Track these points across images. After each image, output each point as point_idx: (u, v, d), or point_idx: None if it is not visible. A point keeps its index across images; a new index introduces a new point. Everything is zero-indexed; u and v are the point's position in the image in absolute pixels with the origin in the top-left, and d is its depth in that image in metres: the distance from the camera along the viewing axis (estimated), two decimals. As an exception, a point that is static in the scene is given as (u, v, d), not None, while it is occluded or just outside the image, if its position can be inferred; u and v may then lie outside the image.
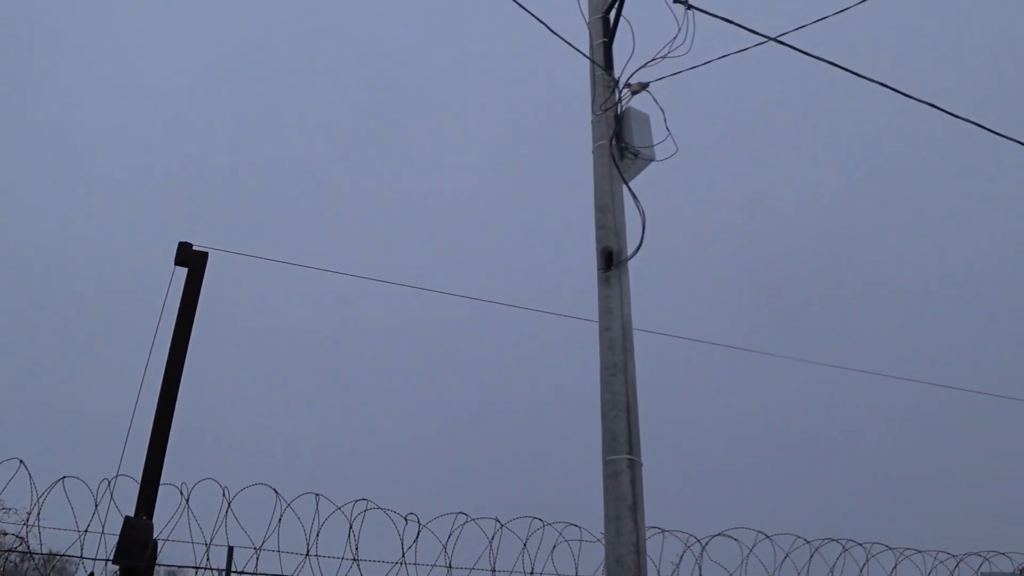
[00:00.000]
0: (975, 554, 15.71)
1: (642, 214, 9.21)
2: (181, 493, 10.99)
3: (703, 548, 13.06)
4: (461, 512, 11.83)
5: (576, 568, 12.09)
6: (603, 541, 8.24)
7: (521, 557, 12.05)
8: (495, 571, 11.87)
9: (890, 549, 14.55)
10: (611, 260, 9.10)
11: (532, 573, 12.03)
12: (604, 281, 9.08)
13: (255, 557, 11.09)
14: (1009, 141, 11.37)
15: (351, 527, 11.42)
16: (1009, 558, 16.28)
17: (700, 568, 13.06)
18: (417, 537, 11.55)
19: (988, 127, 11.09)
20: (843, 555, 14.03)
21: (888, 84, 10.17)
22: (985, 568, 15.86)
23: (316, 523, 11.27)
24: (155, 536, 10.88)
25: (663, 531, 12.49)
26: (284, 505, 11.20)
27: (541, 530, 12.12)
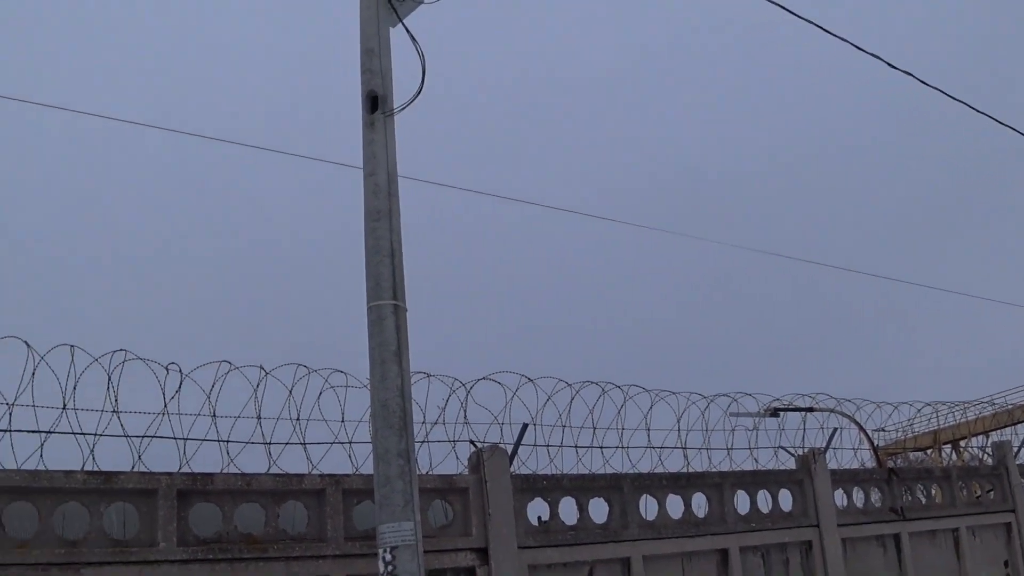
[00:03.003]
0: (724, 395, 16.61)
1: (422, 57, 9.01)
2: (-77, 352, 10.45)
3: (468, 392, 13.32)
4: (225, 360, 11.67)
5: (343, 414, 12.14)
6: (369, 387, 8.29)
7: (287, 404, 12.02)
8: (261, 418, 11.81)
9: (646, 391, 15.21)
10: (376, 104, 8.94)
11: (298, 420, 12.03)
12: (369, 126, 8.93)
13: (8, 414, 10.69)
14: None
15: (109, 379, 11.11)
16: (755, 398, 17.31)
17: (465, 412, 13.35)
18: (180, 387, 11.32)
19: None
20: (602, 397, 14.58)
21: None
22: (733, 408, 16.81)
23: (72, 376, 10.90)
24: None
25: (428, 376, 12.64)
26: (37, 358, 10.78)
27: (307, 377, 12.09)
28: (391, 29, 9.36)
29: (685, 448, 15.87)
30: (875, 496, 18.77)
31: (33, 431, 10.78)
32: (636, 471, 15.07)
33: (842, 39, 13.44)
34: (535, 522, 13.94)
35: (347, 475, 12.29)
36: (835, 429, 18.65)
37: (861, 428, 22.08)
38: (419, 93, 8.92)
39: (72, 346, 10.91)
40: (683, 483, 15.71)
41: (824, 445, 18.09)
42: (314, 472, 12.12)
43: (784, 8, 12.38)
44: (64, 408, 10.92)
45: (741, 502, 16.43)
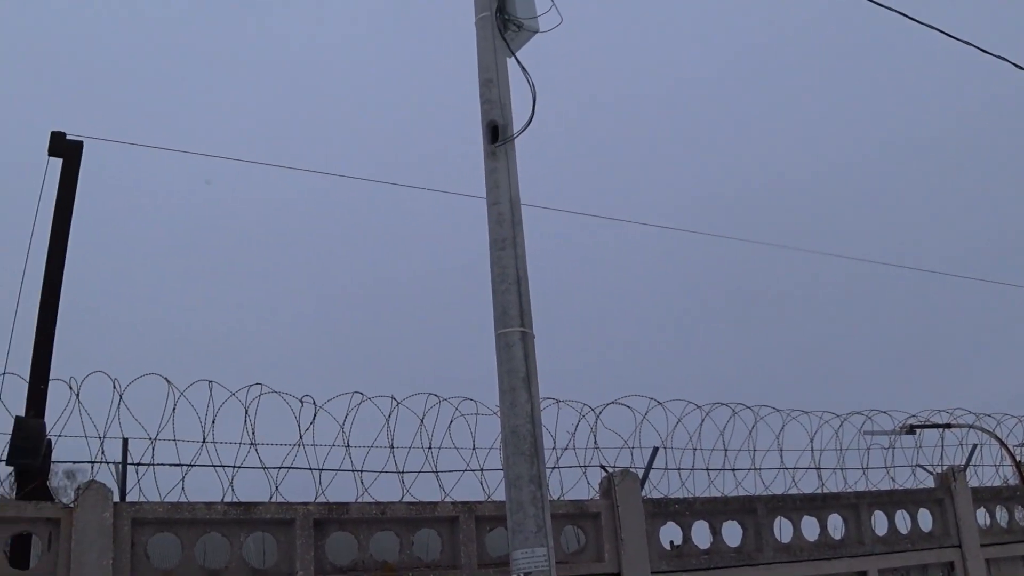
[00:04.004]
0: (858, 413, 16.27)
1: (532, 86, 9.09)
2: (71, 388, 10.83)
3: (597, 416, 13.32)
4: (357, 392, 11.86)
5: (473, 441, 12.25)
6: (499, 414, 8.34)
7: (419, 433, 12.17)
8: (393, 448, 11.99)
9: (777, 411, 14.99)
10: (497, 134, 9.03)
11: (430, 448, 12.17)
12: (491, 155, 9.02)
13: (151, 448, 11.03)
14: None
15: (246, 412, 11.39)
16: (890, 416, 16.91)
17: (595, 436, 13.34)
18: (314, 418, 11.57)
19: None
20: (733, 418, 14.42)
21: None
22: (868, 426, 16.45)
23: (211, 410, 11.20)
24: (47, 434, 10.73)
25: (558, 401, 12.68)
26: (177, 394, 11.11)
27: (437, 406, 12.23)
28: (507, 59, 9.46)
29: (819, 468, 15.59)
30: (1020, 514, 18.14)
31: (175, 464, 11.11)
32: (769, 493, 14.85)
33: (966, 43, 13.14)
34: (668, 546, 13.82)
35: (479, 502, 12.37)
36: (975, 445, 18.12)
37: (1002, 444, 21.38)
38: (530, 121, 8.99)
39: (210, 381, 11.23)
40: (818, 504, 15.43)
41: (964, 462, 17.60)
42: (447, 500, 12.24)
43: (903, 14, 12.18)
44: (204, 441, 11.24)
45: (878, 523, 16.05)
